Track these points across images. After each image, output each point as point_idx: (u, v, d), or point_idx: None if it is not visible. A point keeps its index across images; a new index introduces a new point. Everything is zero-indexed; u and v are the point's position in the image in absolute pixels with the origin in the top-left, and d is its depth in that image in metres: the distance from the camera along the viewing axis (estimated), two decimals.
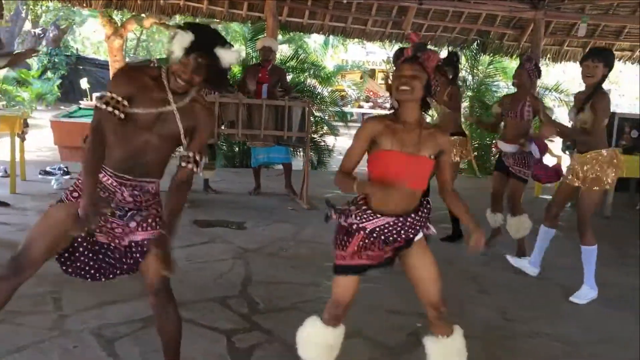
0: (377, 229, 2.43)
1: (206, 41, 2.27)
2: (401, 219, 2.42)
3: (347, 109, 16.54)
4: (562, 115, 13.79)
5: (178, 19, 13.22)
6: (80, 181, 2.41)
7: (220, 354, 2.99)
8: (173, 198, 2.46)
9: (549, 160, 5.40)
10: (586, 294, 4.10)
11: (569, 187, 4.19)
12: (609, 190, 6.80)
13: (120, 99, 2.25)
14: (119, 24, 14.12)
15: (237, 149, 9.00)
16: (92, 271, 2.46)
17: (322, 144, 9.52)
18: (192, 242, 4.82)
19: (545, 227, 4.39)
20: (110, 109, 2.24)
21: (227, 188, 6.88)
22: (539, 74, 4.89)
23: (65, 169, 6.92)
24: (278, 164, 7.18)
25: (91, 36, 24.63)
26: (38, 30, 19.47)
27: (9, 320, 3.13)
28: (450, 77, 5.21)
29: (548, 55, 10.29)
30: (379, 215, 2.42)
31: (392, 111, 2.47)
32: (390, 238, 2.46)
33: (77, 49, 22.00)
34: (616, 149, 4.11)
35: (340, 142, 10.78)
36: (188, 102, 2.38)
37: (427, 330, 2.65)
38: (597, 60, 3.95)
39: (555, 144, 7.91)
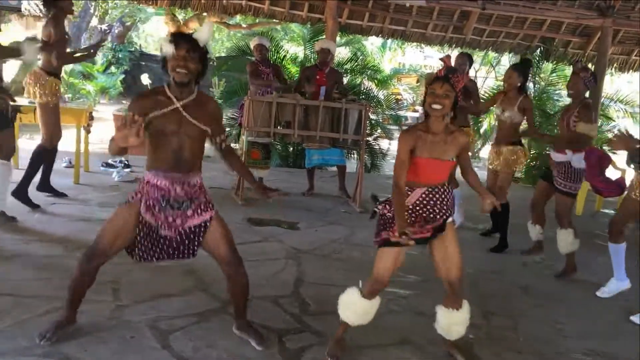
0: (416, 202, 2.92)
1: (182, 35, 2.88)
2: (431, 188, 2.93)
3: (402, 112, 16.42)
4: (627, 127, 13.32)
5: (239, 18, 13.48)
6: (141, 186, 2.92)
7: (272, 353, 3.02)
8: (233, 163, 3.19)
9: (612, 174, 5.23)
10: (613, 287, 4.24)
11: (634, 203, 4.03)
12: None
13: (132, 115, 2.66)
14: (182, 22, 14.45)
15: (291, 149, 9.08)
16: (155, 255, 2.94)
17: (377, 147, 9.50)
18: (245, 240, 4.87)
19: (613, 244, 4.24)
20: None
21: (280, 187, 6.91)
22: (595, 81, 4.77)
23: (126, 162, 7.13)
24: (332, 165, 7.19)
25: (154, 33, 25.31)
26: (104, 26, 20.15)
27: None
28: (519, 84, 5.10)
29: (614, 65, 9.94)
30: (414, 190, 2.93)
31: (423, 120, 2.99)
32: (429, 214, 2.91)
33: (140, 45, 22.65)
34: None
35: (395, 146, 10.74)
36: (193, 99, 2.89)
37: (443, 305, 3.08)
38: None
39: (619, 156, 7.64)
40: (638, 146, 3.89)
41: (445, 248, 2.95)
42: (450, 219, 2.98)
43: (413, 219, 2.92)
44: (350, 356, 3.07)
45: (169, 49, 2.78)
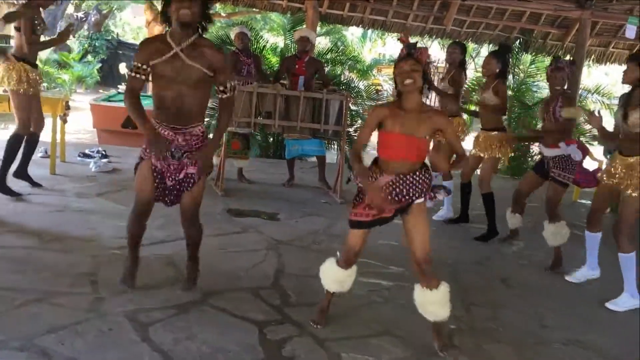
0: (383, 186, 2.98)
1: None
2: (401, 176, 2.98)
3: (382, 102, 16.43)
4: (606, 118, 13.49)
5: (218, 7, 13.33)
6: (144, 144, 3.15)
7: (252, 344, 3.00)
8: (220, 118, 3.33)
9: (589, 165, 5.28)
10: (625, 301, 4.01)
11: (606, 188, 4.08)
12: None
13: (140, 64, 3.02)
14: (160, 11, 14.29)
15: (271, 139, 9.02)
16: (167, 200, 3.33)
17: (357, 137, 9.48)
18: (225, 231, 4.85)
19: (590, 232, 4.30)
20: (134, 74, 3.05)
21: (260, 178, 6.89)
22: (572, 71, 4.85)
23: (103, 152, 7.02)
24: (312, 156, 7.17)
25: (131, 21, 24.95)
26: (80, 14, 19.80)
27: (47, 300, 3.20)
28: (497, 70, 5.13)
29: (592, 57, 10.03)
30: (384, 175, 3.01)
31: (396, 99, 3.05)
32: (395, 196, 2.98)
33: (117, 34, 22.32)
34: None
35: (375, 137, 10.73)
36: (191, 43, 3.00)
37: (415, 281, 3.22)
38: (630, 62, 3.99)
39: (596, 148, 7.74)
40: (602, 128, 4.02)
41: (413, 228, 3.05)
42: (420, 200, 3.03)
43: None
44: (331, 348, 3.07)
45: None
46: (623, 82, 4.12)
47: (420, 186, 3.01)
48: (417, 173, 3.02)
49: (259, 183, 6.72)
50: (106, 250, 4.09)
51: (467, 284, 4.24)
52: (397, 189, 2.99)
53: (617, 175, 3.92)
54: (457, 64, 5.74)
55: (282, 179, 6.88)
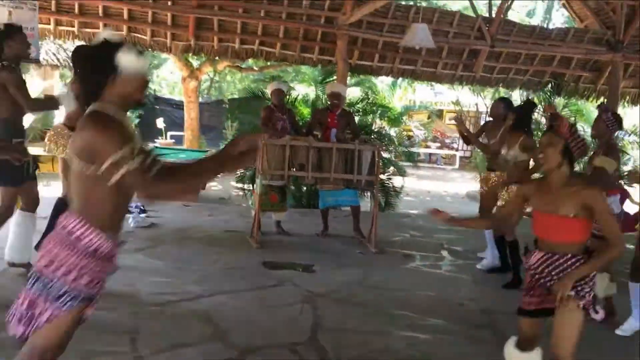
0: (534, 265, 2.82)
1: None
2: (550, 254, 2.76)
3: (414, 149, 16.48)
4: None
5: (250, 61, 13.71)
6: None
7: None
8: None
9: (630, 208, 5.17)
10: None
11: None
12: None
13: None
14: (195, 67, 14.73)
15: (305, 189, 9.10)
16: None
17: (390, 185, 9.48)
18: (261, 285, 4.86)
19: (634, 283, 4.15)
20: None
21: (294, 229, 6.92)
22: (619, 124, 4.66)
23: (142, 207, 7.16)
24: (346, 206, 7.18)
25: (168, 77, 25.77)
26: None
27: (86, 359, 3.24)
28: (510, 123, 5.13)
29: (627, 98, 9.93)
30: (536, 251, 2.84)
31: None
32: (545, 279, 2.77)
33: (154, 90, 23.04)
34: None
35: (408, 183, 10.72)
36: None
37: None
38: None
39: (636, 189, 7.55)
40: None
41: (557, 324, 2.77)
42: (572, 294, 2.69)
43: (532, 283, 2.87)
44: None
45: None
46: None
47: (565, 270, 2.74)
48: (568, 256, 2.74)
49: (294, 234, 6.75)
50: (145, 306, 4.14)
51: (506, 333, 4.12)
52: (544, 267, 2.79)
53: None
54: (501, 120, 5.69)
55: (316, 229, 6.89)
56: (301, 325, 4.06)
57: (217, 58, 11.51)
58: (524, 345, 2.92)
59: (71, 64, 5.04)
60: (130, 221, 6.61)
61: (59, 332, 2.17)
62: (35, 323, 2.14)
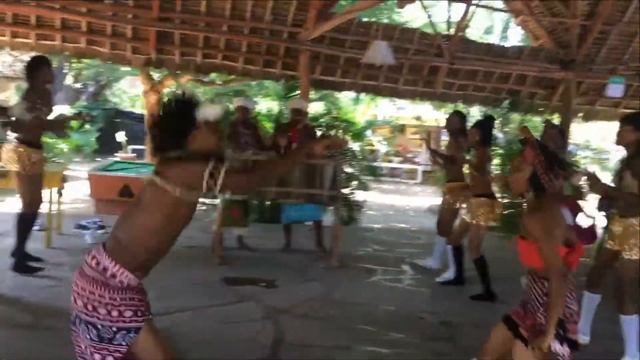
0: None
1: None
2: (531, 275, 2.75)
3: (377, 163, 16.62)
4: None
5: (213, 75, 13.66)
6: None
7: None
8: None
9: (584, 221, 5.31)
10: None
11: (610, 252, 4.08)
12: None
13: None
14: (157, 80, 14.59)
15: (267, 204, 9.07)
16: None
17: (353, 199, 9.54)
18: (222, 302, 4.82)
19: (590, 293, 4.27)
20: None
21: (257, 244, 6.89)
22: (564, 139, 4.86)
23: (100, 222, 7.03)
24: (309, 220, 7.19)
25: (128, 90, 25.45)
26: (78, 85, 20.23)
27: None
28: (477, 139, 5.27)
29: (580, 114, 10.24)
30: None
31: None
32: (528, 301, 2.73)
33: (115, 103, 22.74)
34: None
35: (371, 198, 10.80)
36: None
37: None
38: (625, 124, 3.92)
39: (588, 203, 7.77)
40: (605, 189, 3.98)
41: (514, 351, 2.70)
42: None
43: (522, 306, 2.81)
44: None
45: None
46: (616, 144, 4.07)
47: (534, 299, 2.70)
48: (536, 284, 2.71)
49: (256, 249, 6.72)
50: None
51: (466, 345, 4.19)
52: (528, 290, 2.76)
53: (618, 237, 3.94)
54: (457, 132, 5.91)
55: (279, 244, 6.88)
56: (263, 341, 4.04)
57: (179, 72, 11.42)
58: None
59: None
60: (86, 237, 6.48)
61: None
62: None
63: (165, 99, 2.52)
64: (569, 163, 5.46)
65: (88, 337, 2.21)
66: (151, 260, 2.39)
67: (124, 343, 2.21)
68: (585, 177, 4.14)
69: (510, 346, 2.75)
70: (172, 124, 2.38)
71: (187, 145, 2.36)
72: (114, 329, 2.20)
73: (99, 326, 2.19)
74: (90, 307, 2.20)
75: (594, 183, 3.93)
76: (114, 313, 2.20)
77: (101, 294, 2.20)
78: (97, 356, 2.22)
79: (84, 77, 20.71)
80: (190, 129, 2.36)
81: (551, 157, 2.72)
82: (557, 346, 2.53)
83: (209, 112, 2.40)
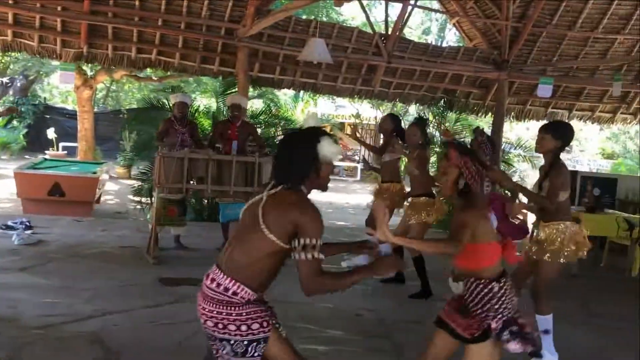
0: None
1: None
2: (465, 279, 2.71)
3: None
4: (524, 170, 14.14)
5: (149, 71, 13.33)
6: None
7: None
8: None
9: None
10: None
11: (530, 257, 4.08)
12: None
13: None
14: (89, 75, 14.11)
15: (205, 202, 8.93)
16: None
17: None
18: (157, 303, 4.70)
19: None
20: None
21: (195, 243, 6.77)
22: (492, 146, 4.94)
23: (27, 223, 6.73)
24: None
25: (59, 85, 24.48)
26: (5, 79, 19.31)
27: None
28: (419, 140, 5.34)
29: (512, 114, 10.59)
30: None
31: None
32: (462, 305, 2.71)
33: (44, 98, 21.82)
34: (579, 225, 4.01)
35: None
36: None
37: None
38: (544, 132, 3.98)
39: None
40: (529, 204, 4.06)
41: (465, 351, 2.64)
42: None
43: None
44: None
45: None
46: (537, 151, 4.14)
47: (478, 302, 2.65)
48: (472, 280, 2.68)
49: (193, 249, 6.59)
50: (28, 330, 3.87)
51: (402, 342, 4.25)
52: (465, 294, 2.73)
53: (538, 241, 4.00)
54: (389, 133, 5.94)
55: (217, 244, 6.76)
56: (199, 342, 3.94)
57: (112, 67, 11.08)
58: None
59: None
60: (14, 238, 6.19)
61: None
62: None
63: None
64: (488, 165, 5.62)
65: (224, 352, 2.33)
66: (271, 279, 2.44)
67: (256, 354, 2.33)
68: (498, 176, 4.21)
69: (452, 348, 2.75)
70: (301, 158, 2.36)
71: (311, 180, 2.36)
72: (245, 342, 2.31)
73: (232, 342, 2.30)
74: (220, 326, 2.31)
75: (505, 178, 4.03)
76: (243, 328, 2.31)
77: (228, 312, 2.31)
78: None
79: (12, 71, 19.78)
80: (315, 164, 2.35)
81: (474, 158, 2.73)
82: (512, 346, 2.54)
83: (330, 150, 2.35)
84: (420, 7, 10.53)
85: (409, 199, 5.57)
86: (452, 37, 21.98)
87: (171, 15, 8.29)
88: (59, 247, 6.14)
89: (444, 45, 14.08)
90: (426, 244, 2.86)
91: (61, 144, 16.22)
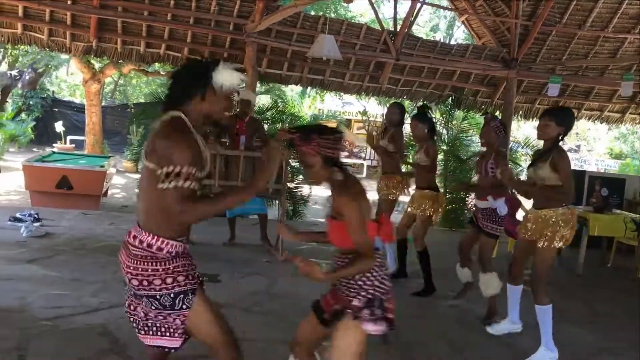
0: None
1: None
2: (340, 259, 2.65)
3: None
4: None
5: (157, 66, 13.35)
6: None
7: None
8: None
9: (521, 217, 5.48)
10: (543, 356, 4.00)
11: (524, 243, 4.17)
12: (580, 248, 6.93)
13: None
14: (97, 69, 14.15)
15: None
16: None
17: (298, 193, 9.53)
18: None
19: (510, 285, 4.41)
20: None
21: (201, 238, 6.78)
22: (505, 130, 4.97)
23: (35, 215, 6.77)
24: (253, 214, 7.14)
25: (68, 79, 24.59)
26: (14, 72, 19.40)
27: None
28: (426, 132, 5.33)
29: (520, 112, 10.56)
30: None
31: None
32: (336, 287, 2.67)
33: (53, 92, 21.91)
34: (573, 208, 4.03)
35: (316, 192, 10.80)
36: None
37: None
38: (548, 119, 3.99)
39: (527, 200, 8.05)
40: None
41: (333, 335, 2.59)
42: (349, 314, 2.54)
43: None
44: None
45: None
46: (539, 138, 4.11)
47: (344, 287, 2.62)
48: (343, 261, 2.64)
49: (200, 243, 6.61)
50: (36, 321, 3.90)
51: (408, 340, 4.25)
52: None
53: (531, 228, 4.03)
54: (396, 124, 5.86)
55: (223, 238, 6.80)
56: None
57: (121, 61, 11.11)
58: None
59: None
60: (22, 230, 6.23)
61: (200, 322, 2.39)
62: (173, 329, 2.34)
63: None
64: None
65: (153, 307, 2.29)
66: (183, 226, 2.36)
67: (184, 307, 2.30)
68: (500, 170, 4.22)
69: (320, 333, 2.76)
70: (187, 77, 2.32)
71: (194, 103, 2.29)
72: (172, 295, 2.28)
73: (158, 297, 2.27)
74: (146, 283, 2.26)
75: (505, 172, 4.06)
76: (169, 280, 2.27)
77: (154, 268, 2.26)
78: (169, 320, 2.32)
79: (20, 64, 19.88)
80: (203, 87, 2.28)
81: (317, 130, 2.55)
82: (369, 326, 2.50)
83: (225, 77, 2.30)
84: (429, 4, 10.51)
85: (414, 191, 5.57)
86: (460, 35, 21.95)
87: (180, 10, 8.31)
88: (66, 240, 6.18)
89: (453, 42, 14.03)
90: (346, 271, 2.57)
91: (69, 137, 16.27)
